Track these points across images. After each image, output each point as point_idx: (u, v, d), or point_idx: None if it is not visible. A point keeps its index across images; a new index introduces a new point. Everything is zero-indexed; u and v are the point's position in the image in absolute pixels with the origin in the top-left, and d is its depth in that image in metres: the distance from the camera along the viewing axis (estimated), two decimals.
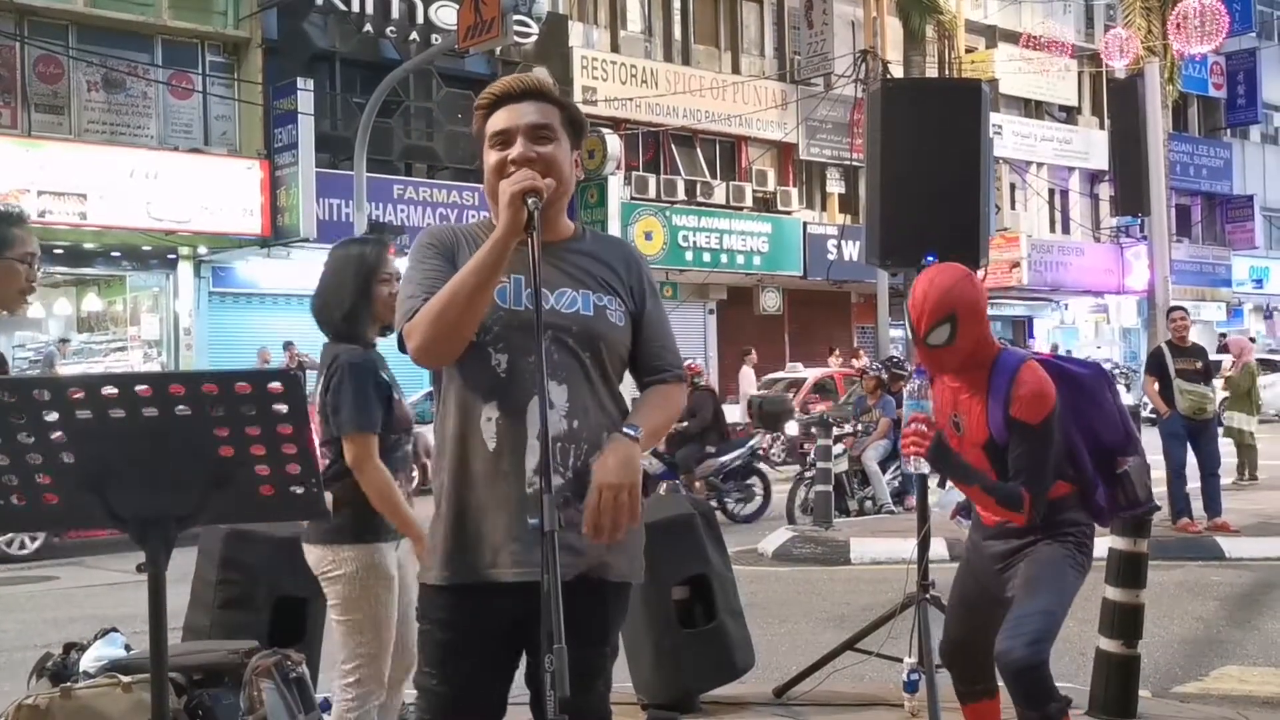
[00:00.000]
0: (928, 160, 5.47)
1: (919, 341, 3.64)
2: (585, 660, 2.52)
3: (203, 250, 20.15)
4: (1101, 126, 32.42)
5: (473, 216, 20.48)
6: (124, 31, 19.41)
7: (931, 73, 28.04)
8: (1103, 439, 3.84)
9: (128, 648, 5.32)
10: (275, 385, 2.15)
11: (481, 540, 2.56)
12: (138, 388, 2.11)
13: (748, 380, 20.31)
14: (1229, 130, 38.71)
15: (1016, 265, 29.45)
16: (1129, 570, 5.23)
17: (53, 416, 2.11)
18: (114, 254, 19.67)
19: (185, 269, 20.12)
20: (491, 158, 2.67)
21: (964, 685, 4.05)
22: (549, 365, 2.50)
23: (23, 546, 11.36)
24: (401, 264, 2.92)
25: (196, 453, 2.17)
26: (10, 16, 18.30)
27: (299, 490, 2.25)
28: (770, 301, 27.59)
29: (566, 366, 2.58)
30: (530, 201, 2.48)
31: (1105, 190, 31.91)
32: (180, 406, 2.11)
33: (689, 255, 25.29)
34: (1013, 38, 31.66)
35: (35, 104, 18.82)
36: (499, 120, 2.69)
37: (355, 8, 21.36)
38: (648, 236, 24.41)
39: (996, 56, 31.16)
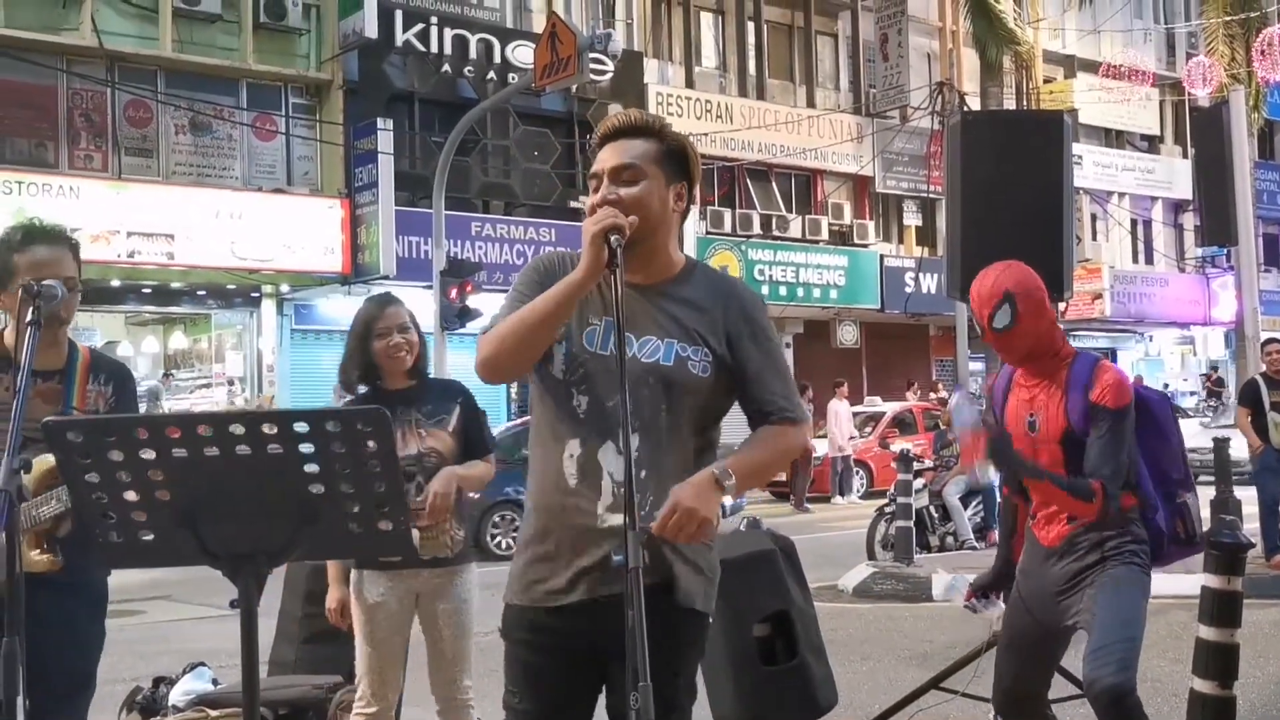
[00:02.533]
0: (1008, 192, 5.43)
1: (986, 331, 3.72)
2: (656, 689, 2.50)
3: (285, 288, 20.51)
4: (1184, 155, 31.91)
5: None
6: (210, 75, 19.89)
7: (1009, 104, 27.79)
8: (1163, 466, 3.87)
9: (215, 682, 5.41)
10: (364, 424, 2.17)
11: (556, 568, 2.65)
12: (231, 426, 2.14)
13: (843, 416, 20.04)
14: None
15: (1099, 297, 28.99)
16: (1223, 609, 5.09)
17: (149, 454, 2.15)
18: (199, 293, 20.09)
19: (268, 307, 20.50)
20: (591, 199, 2.71)
21: None
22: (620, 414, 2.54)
23: None
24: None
25: (287, 490, 2.20)
26: (101, 62, 18.84)
27: (387, 527, 2.27)
28: (847, 335, 27.43)
29: (641, 416, 2.60)
30: (613, 239, 2.50)
31: (1189, 220, 31.38)
32: (272, 445, 2.15)
33: (765, 289, 25.21)
34: (1092, 67, 31.30)
35: (125, 147, 19.33)
36: (597, 162, 2.73)
37: (434, 49, 21.71)
38: (723, 271, 24.39)
39: (1075, 86, 30.82)
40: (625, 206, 2.63)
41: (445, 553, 4.08)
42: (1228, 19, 26.85)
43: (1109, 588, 3.60)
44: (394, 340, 4.13)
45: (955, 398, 3.99)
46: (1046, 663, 3.70)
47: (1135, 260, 33.27)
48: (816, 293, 26.04)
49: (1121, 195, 32.40)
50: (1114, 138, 32.62)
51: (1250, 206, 13.40)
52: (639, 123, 2.77)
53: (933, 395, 24.40)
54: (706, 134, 25.17)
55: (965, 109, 23.90)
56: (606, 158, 2.71)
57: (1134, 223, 33.17)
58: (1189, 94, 28.84)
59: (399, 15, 21.38)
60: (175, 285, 19.66)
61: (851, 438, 20.16)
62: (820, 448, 19.95)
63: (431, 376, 4.39)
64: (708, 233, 24.64)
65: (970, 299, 3.79)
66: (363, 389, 4.24)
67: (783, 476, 19.63)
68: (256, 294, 20.36)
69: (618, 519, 2.55)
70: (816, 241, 26.63)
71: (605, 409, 2.61)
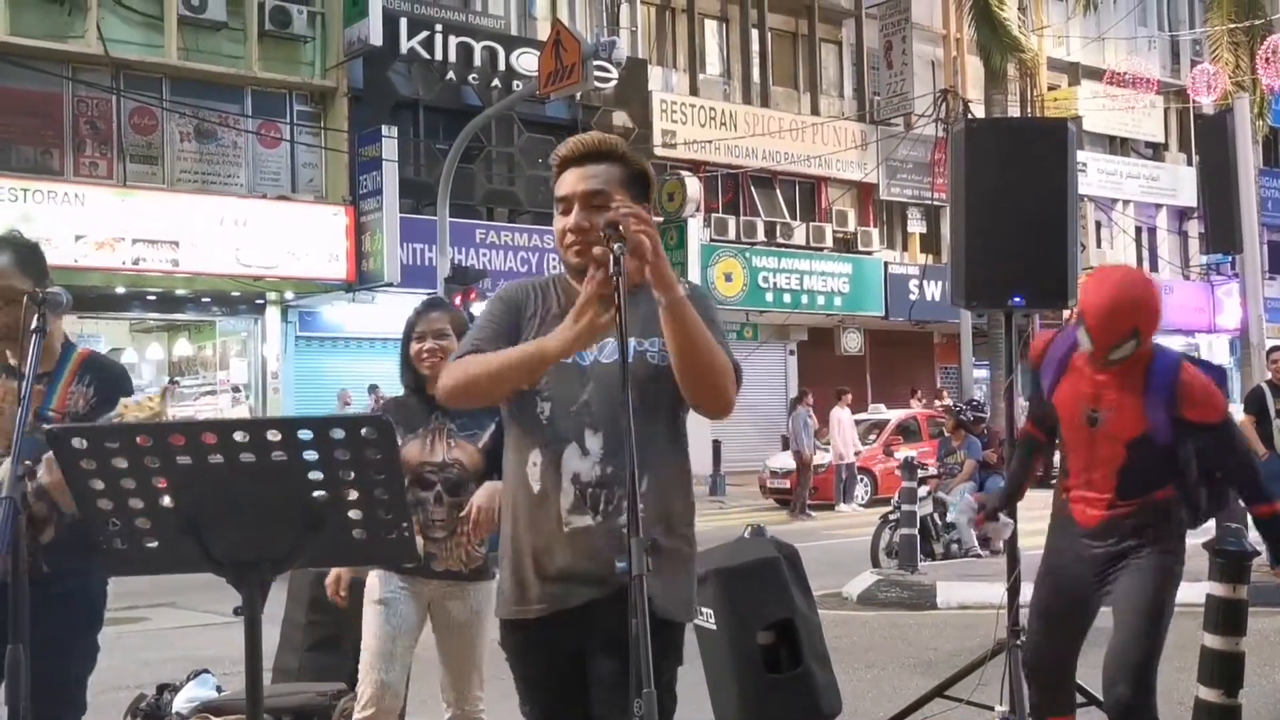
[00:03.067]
0: (1013, 200, 5.41)
1: (1098, 354, 3.56)
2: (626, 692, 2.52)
3: (289, 295, 20.54)
4: (1189, 163, 31.92)
5: (553, 259, 20.63)
6: (215, 83, 19.93)
7: (1013, 111, 27.81)
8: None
9: (219, 689, 5.40)
10: (368, 431, 2.18)
11: (529, 578, 2.72)
12: (236, 434, 2.15)
13: (845, 424, 20.01)
14: None
15: None
16: (1228, 617, 5.09)
17: (154, 462, 2.15)
18: (204, 300, 20.12)
19: (273, 314, 20.53)
20: (556, 222, 2.78)
21: (1044, 696, 4.02)
22: (588, 416, 2.68)
23: None
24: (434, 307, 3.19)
25: (291, 497, 2.20)
26: (107, 70, 18.88)
27: (391, 535, 2.28)
28: (851, 342, 27.43)
29: (604, 414, 2.67)
30: (616, 248, 2.49)
31: (1194, 227, 31.37)
32: (276, 452, 2.15)
33: (769, 296, 25.25)
34: (1096, 74, 31.30)
35: (130, 154, 19.37)
36: (562, 184, 2.77)
37: (438, 56, 21.75)
38: (728, 278, 24.42)
39: (1080, 93, 30.84)
40: (595, 236, 2.64)
41: (459, 567, 4.02)
42: (1232, 26, 26.83)
43: (1140, 581, 3.60)
44: (426, 345, 4.11)
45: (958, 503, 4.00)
46: (1075, 633, 3.74)
47: (1140, 267, 33.25)
48: (821, 300, 26.04)
49: (1126, 202, 32.40)
50: (1118, 145, 32.62)
51: (1255, 214, 13.39)
52: (603, 146, 2.78)
53: (937, 403, 24.38)
54: (710, 141, 25.20)
55: (969, 116, 23.90)
56: (574, 183, 2.75)
57: (1138, 230, 33.16)
58: (1193, 101, 28.85)
59: (403, 23, 21.43)
60: (180, 292, 19.69)
61: (857, 451, 20.10)
62: (823, 456, 19.92)
63: None
64: (712, 240, 24.65)
65: (1086, 308, 3.56)
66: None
67: (786, 484, 19.63)
68: (261, 301, 20.38)
69: (582, 520, 2.67)
70: (820, 249, 26.64)
71: (568, 413, 2.70)
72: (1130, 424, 3.55)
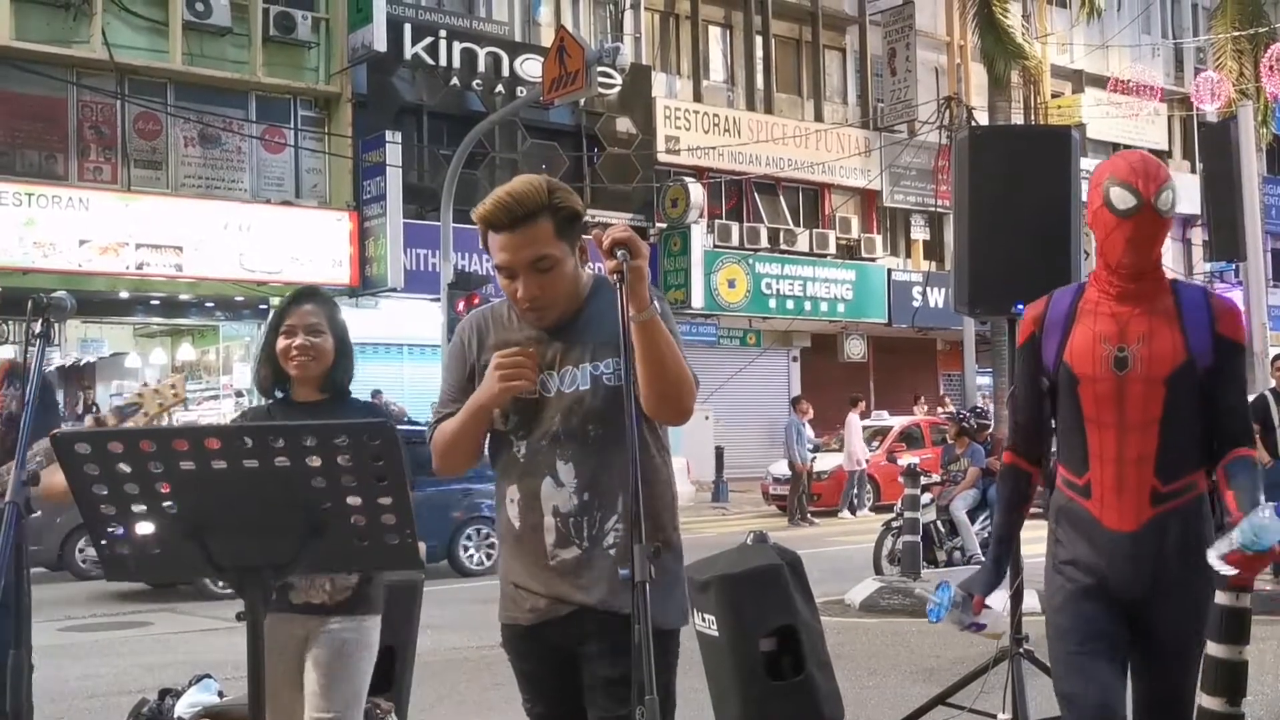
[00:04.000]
0: (1017, 207, 5.42)
1: (1148, 206, 2.95)
2: (621, 698, 2.58)
3: None
4: (1193, 170, 31.87)
5: None
6: (219, 88, 19.97)
7: (1017, 118, 27.81)
8: None
9: (221, 694, 5.40)
10: (371, 437, 2.18)
11: (519, 598, 2.87)
12: (240, 439, 2.15)
13: (856, 430, 20.01)
14: None
15: None
16: (1232, 625, 5.07)
17: (157, 467, 2.16)
18: (208, 304, 20.15)
19: None
20: (502, 282, 2.84)
21: None
22: (558, 447, 2.76)
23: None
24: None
25: (294, 503, 2.21)
26: (111, 75, 18.92)
27: (394, 541, 2.28)
28: (855, 349, 27.43)
29: (573, 445, 2.76)
30: (620, 254, 2.54)
31: (1198, 235, 31.34)
32: (280, 458, 2.16)
33: (772, 303, 25.25)
34: (1100, 82, 31.32)
35: (134, 159, 19.40)
36: (499, 251, 2.76)
37: (442, 62, 21.78)
38: (731, 284, 24.43)
39: (1084, 101, 30.84)
40: (548, 293, 2.76)
41: (322, 599, 3.48)
42: (1236, 34, 26.86)
43: (1189, 617, 3.06)
44: (297, 341, 3.54)
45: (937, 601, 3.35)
46: (1121, 673, 3.04)
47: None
48: (824, 306, 26.04)
49: None
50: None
51: (1259, 222, 13.40)
52: (531, 205, 2.72)
53: (940, 410, 24.38)
54: (714, 147, 25.22)
55: (973, 123, 23.91)
56: (515, 248, 2.73)
57: None
58: (1197, 109, 28.86)
59: (408, 29, 21.47)
60: (183, 297, 19.71)
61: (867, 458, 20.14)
62: (833, 461, 19.94)
63: (352, 397, 3.71)
64: (715, 246, 24.66)
65: (1124, 173, 2.99)
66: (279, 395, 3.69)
67: (784, 490, 19.61)
68: (264, 306, 20.38)
69: (568, 553, 2.76)
70: (824, 255, 26.64)
71: (540, 447, 2.78)
72: (1170, 351, 2.96)
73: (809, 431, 19.51)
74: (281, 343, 3.56)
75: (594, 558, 2.73)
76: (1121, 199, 2.96)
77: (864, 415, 21.58)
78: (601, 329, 2.75)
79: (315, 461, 2.17)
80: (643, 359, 2.63)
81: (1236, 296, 27.61)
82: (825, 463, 19.93)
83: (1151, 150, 33.17)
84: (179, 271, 18.48)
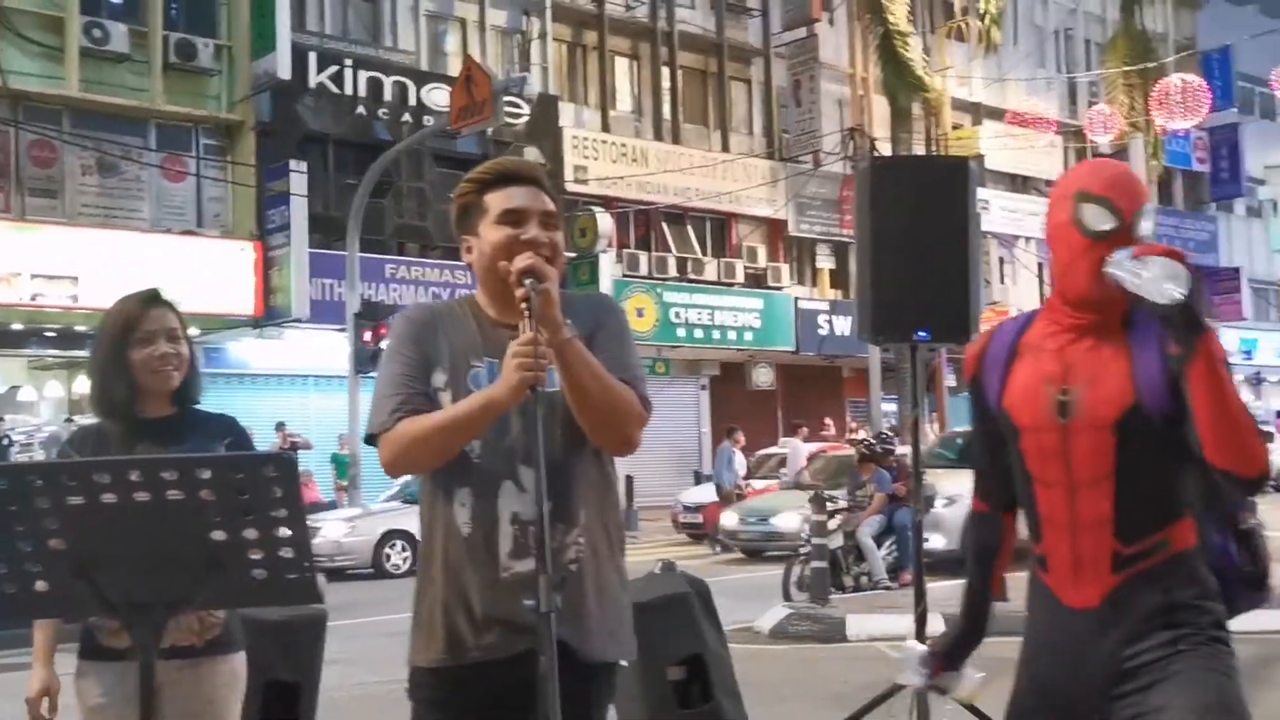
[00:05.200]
0: (917, 236, 5.50)
1: (1126, 229, 2.47)
2: None
3: (195, 331, 20.01)
4: None
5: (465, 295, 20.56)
6: (117, 116, 19.61)
7: (918, 149, 28.36)
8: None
9: None
10: (269, 469, 2.14)
11: (460, 624, 2.56)
12: (130, 473, 2.09)
13: (801, 453, 20.16)
14: (1214, 204, 39.10)
15: None
16: None
17: (44, 503, 2.09)
18: None
19: None
20: (499, 234, 2.64)
21: None
22: (521, 450, 2.55)
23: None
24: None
25: (188, 538, 2.15)
26: (4, 101, 18.48)
27: (292, 575, 2.23)
28: (762, 377, 27.63)
29: (539, 449, 2.51)
30: (528, 283, 2.48)
31: None
32: (172, 491, 2.10)
33: (681, 332, 25.37)
34: (998, 114, 32.07)
35: (29, 188, 18.95)
36: (514, 197, 2.67)
37: (348, 90, 21.62)
38: (639, 313, 24.50)
39: (982, 133, 31.53)
40: (551, 250, 2.62)
41: (190, 640, 3.10)
42: (1127, 69, 27.71)
43: (1193, 688, 2.42)
44: (161, 349, 3.20)
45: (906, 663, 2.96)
46: None
47: (1042, 302, 33.73)
48: (732, 335, 26.22)
49: (1028, 239, 33.10)
50: (1020, 183, 33.38)
51: None
52: (543, 178, 2.76)
53: (846, 438, 24.62)
54: (622, 177, 25.34)
55: (875, 154, 24.33)
56: (529, 197, 2.68)
57: (1040, 265, 33.89)
58: (1091, 141, 29.65)
59: (313, 57, 21.28)
60: (80, 328, 19.21)
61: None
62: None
63: (198, 407, 3.37)
64: (624, 275, 24.73)
65: (1103, 187, 2.51)
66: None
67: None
68: None
69: (523, 566, 2.52)
70: (731, 284, 26.86)
71: (500, 449, 2.58)
72: (1115, 392, 2.46)
73: (739, 459, 19.67)
74: (140, 352, 3.19)
75: (552, 573, 2.43)
76: (1098, 218, 2.48)
77: (765, 443, 21.87)
78: (575, 315, 2.61)
79: (210, 494, 2.12)
80: (565, 384, 2.52)
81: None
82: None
83: (1047, 181, 34.06)
84: (75, 302, 18.04)
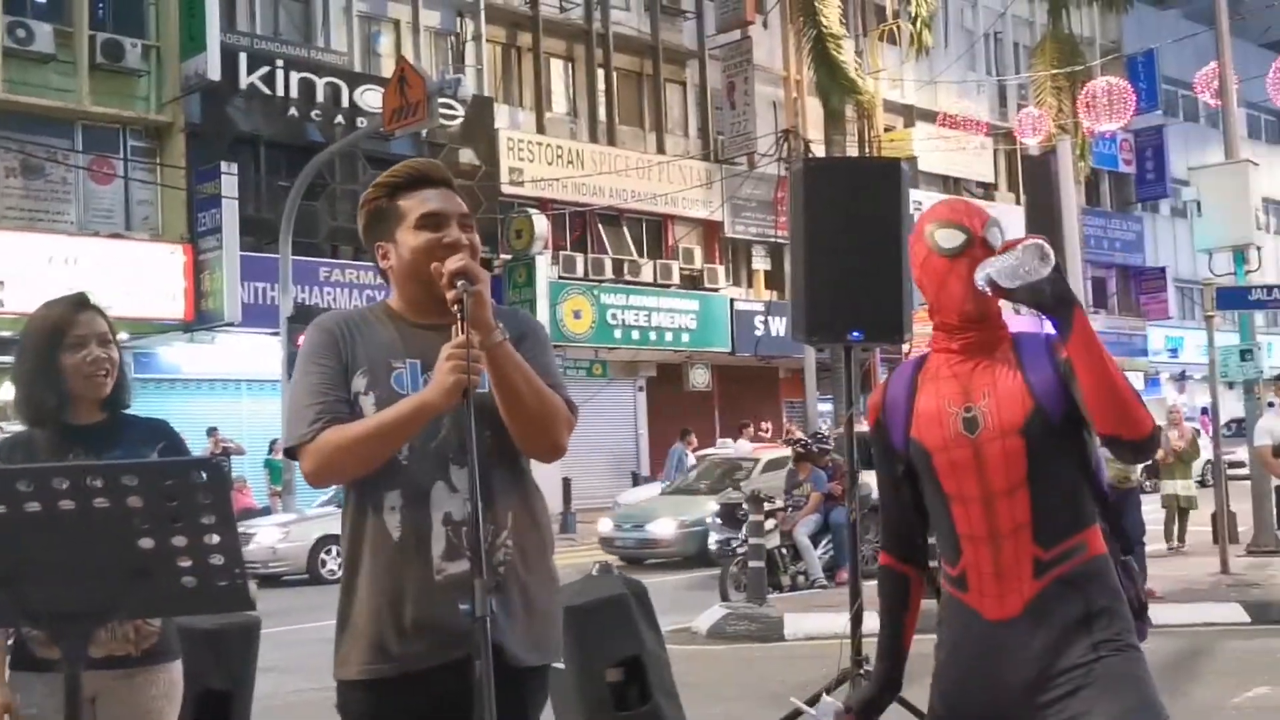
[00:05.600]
0: (850, 237, 5.55)
1: (978, 241, 2.66)
2: None
3: (124, 336, 19.68)
4: (1018, 201, 33.18)
5: None
6: (43, 117, 19.25)
7: (852, 151, 28.59)
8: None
9: None
10: (199, 475, 2.10)
11: (394, 632, 2.52)
12: (55, 481, 2.05)
13: (745, 452, 20.25)
14: (1140, 204, 39.81)
15: None
16: None
17: None
18: None
19: None
20: (420, 239, 2.63)
21: None
22: (450, 449, 2.54)
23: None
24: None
25: (115, 546, 2.11)
26: None
27: (223, 583, 2.20)
28: (699, 378, 27.72)
29: (464, 448, 2.48)
30: (460, 284, 2.47)
31: None
32: (99, 499, 2.06)
33: (617, 333, 25.38)
34: (930, 117, 32.43)
35: None
36: (430, 200, 2.67)
37: (279, 91, 21.37)
38: (576, 315, 24.47)
39: (915, 135, 31.85)
40: (474, 253, 2.63)
41: (126, 650, 3.05)
42: (1055, 72, 28.13)
43: (1116, 691, 2.48)
44: (93, 354, 3.15)
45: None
46: None
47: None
48: (669, 336, 26.28)
49: None
50: (951, 184, 33.77)
51: (1078, 251, 14.01)
52: (451, 178, 2.77)
53: (784, 438, 24.76)
54: (558, 179, 25.30)
55: (809, 156, 24.50)
56: (446, 199, 2.68)
57: None
58: (1020, 143, 30.08)
59: (243, 57, 21.02)
60: (5, 334, 18.83)
61: None
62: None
63: (129, 412, 3.31)
64: (560, 277, 24.69)
65: (944, 215, 2.73)
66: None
67: None
68: None
69: (457, 567, 2.50)
70: (668, 286, 26.91)
71: (430, 450, 2.56)
72: (1017, 402, 2.60)
73: (691, 460, 19.73)
74: (72, 358, 3.12)
75: (484, 574, 2.39)
76: (948, 238, 2.68)
77: (701, 444, 21.93)
78: (505, 331, 2.58)
79: (137, 502, 2.08)
80: (496, 387, 2.51)
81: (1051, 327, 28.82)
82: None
83: (979, 183, 34.55)
84: (1, 307, 17.69)
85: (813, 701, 2.96)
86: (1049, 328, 2.58)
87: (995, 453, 2.59)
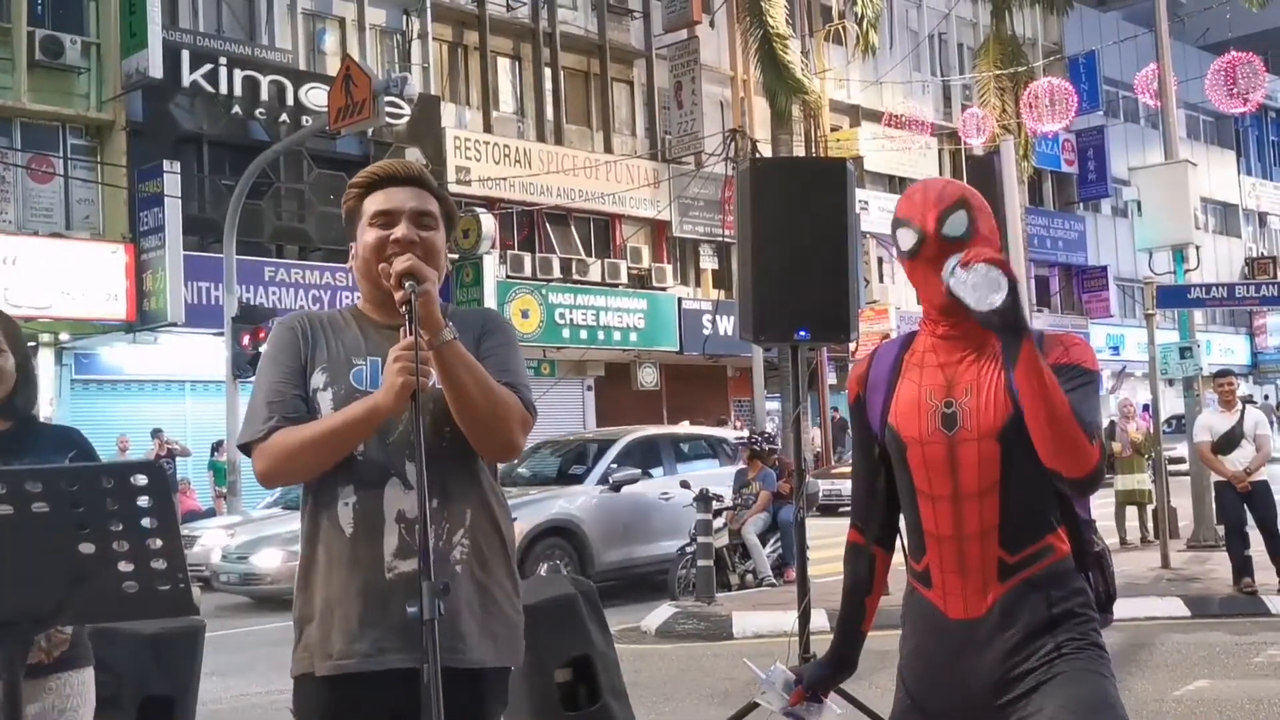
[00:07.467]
0: (797, 236, 5.58)
1: (932, 238, 2.59)
2: None
3: (65, 337, 19.57)
4: None
5: (346, 298, 20.29)
6: None
7: (799, 151, 28.73)
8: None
9: None
10: (139, 478, 2.07)
11: (347, 630, 2.50)
12: None
13: None
14: (1082, 204, 40.34)
15: (886, 337, 30.06)
16: None
17: None
18: None
19: (46, 356, 19.50)
20: (370, 236, 2.63)
21: None
22: (407, 446, 2.52)
23: None
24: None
25: (54, 551, 2.08)
26: None
27: (165, 587, 2.16)
28: (647, 377, 27.75)
29: (424, 445, 2.43)
30: (408, 285, 2.45)
31: None
32: (38, 504, 2.03)
33: (566, 333, 25.36)
34: (875, 117, 32.67)
35: None
36: (382, 200, 2.66)
37: (223, 89, 21.15)
38: (524, 315, 24.42)
39: (861, 135, 32.08)
40: (424, 250, 2.59)
41: (38, 658, 2.96)
42: (998, 73, 28.41)
43: (1074, 688, 2.46)
44: (5, 362, 3.05)
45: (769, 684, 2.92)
46: None
47: (920, 301, 34.66)
48: (617, 335, 26.29)
49: None
50: (897, 184, 34.05)
51: (1022, 250, 14.17)
52: (424, 177, 2.74)
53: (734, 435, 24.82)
54: (505, 178, 25.23)
55: (756, 155, 24.59)
56: (402, 199, 2.66)
57: None
58: (964, 143, 30.37)
59: (186, 55, 20.78)
60: None
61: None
62: None
63: (40, 420, 3.26)
64: (508, 277, 24.64)
65: (907, 208, 2.67)
66: None
67: None
68: (33, 343, 19.32)
69: (408, 565, 2.48)
70: (616, 285, 26.92)
71: (386, 446, 2.56)
72: (996, 403, 2.52)
73: None
74: None
75: (438, 573, 2.37)
76: (904, 238, 2.63)
77: None
78: (460, 329, 2.57)
79: (78, 507, 2.05)
80: (444, 387, 2.49)
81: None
82: None
83: None
84: None
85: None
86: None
87: (970, 455, 2.53)
